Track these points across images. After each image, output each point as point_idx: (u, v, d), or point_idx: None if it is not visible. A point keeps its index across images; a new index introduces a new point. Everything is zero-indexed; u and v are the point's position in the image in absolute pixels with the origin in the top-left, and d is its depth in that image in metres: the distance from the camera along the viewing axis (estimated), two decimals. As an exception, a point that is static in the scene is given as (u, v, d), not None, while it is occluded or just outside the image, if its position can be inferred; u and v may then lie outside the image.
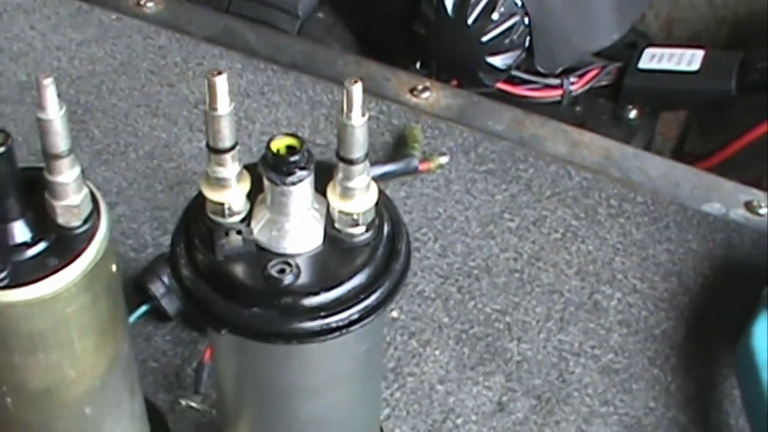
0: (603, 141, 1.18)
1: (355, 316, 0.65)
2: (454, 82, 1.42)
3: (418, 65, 1.46)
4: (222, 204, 0.66)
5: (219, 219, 0.66)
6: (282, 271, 0.65)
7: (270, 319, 0.64)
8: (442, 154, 1.15)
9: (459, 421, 0.94)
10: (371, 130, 1.15)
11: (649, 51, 1.45)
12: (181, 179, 1.11)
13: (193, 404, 0.90)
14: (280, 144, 0.65)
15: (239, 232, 0.66)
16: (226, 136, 0.64)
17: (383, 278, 0.66)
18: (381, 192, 0.68)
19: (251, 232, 0.66)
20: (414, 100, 1.22)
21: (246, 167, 0.67)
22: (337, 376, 0.71)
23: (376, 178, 1.10)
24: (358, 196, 0.65)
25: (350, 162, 0.64)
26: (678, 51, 1.44)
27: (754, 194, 1.13)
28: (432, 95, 1.23)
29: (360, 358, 0.71)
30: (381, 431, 0.89)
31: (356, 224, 0.66)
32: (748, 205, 1.11)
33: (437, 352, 0.99)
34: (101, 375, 0.73)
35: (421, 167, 1.12)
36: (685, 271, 1.06)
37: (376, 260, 0.66)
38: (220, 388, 0.78)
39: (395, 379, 0.96)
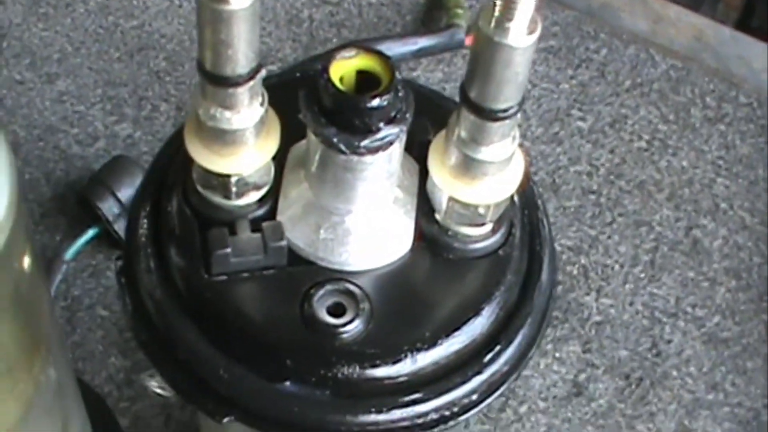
0: (692, 18, 0.82)
1: (474, 396, 0.32)
2: None
3: None
4: (227, 177, 0.31)
5: (218, 200, 0.32)
6: (340, 309, 0.31)
7: (316, 403, 0.31)
8: (491, 24, 0.78)
9: (523, 409, 0.62)
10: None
11: None
12: (145, 44, 0.75)
13: (159, 389, 0.56)
14: (345, 69, 0.29)
15: (256, 229, 0.31)
16: (241, 50, 0.28)
17: (521, 319, 0.33)
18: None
19: (279, 230, 0.31)
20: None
21: (269, 85, 0.31)
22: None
23: (409, 55, 0.76)
24: (494, 175, 0.30)
25: (492, 115, 0.29)
26: None
27: None
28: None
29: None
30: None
31: (481, 222, 0.32)
32: None
33: (490, 307, 0.66)
34: (12, 426, 0.39)
35: (468, 41, 0.75)
36: (805, 202, 0.73)
37: (508, 285, 0.32)
38: None
39: (435, 346, 0.63)
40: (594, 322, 0.66)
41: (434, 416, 0.31)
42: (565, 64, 0.78)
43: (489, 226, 0.32)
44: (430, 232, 0.32)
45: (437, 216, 0.32)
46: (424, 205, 0.32)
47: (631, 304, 0.67)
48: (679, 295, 0.68)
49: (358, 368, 0.30)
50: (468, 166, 0.30)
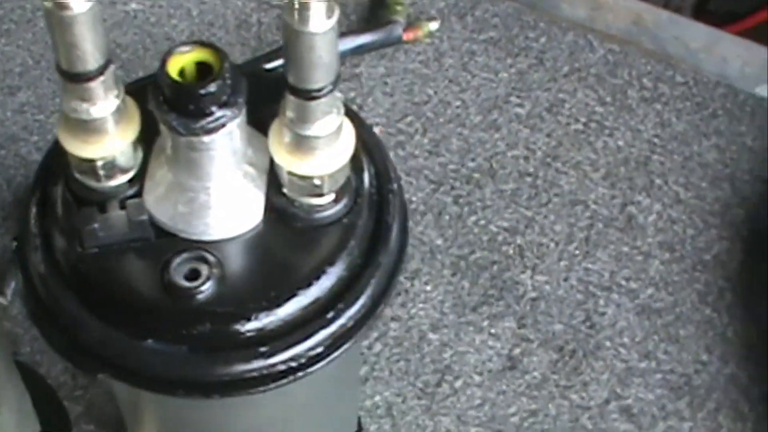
0: (630, 2, 0.86)
1: (319, 349, 0.36)
2: None
3: None
4: (93, 161, 0.36)
5: (92, 183, 0.37)
6: (195, 274, 0.35)
7: (175, 358, 0.35)
8: (431, 18, 0.83)
9: (458, 383, 0.66)
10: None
11: None
12: (101, 53, 0.79)
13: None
14: (183, 61, 0.34)
15: (123, 207, 0.36)
16: (87, 50, 0.33)
17: (364, 280, 0.37)
18: (361, 128, 0.37)
19: (141, 207, 0.36)
20: (395, -55, 0.89)
21: (135, 85, 0.37)
22: (287, 421, 0.42)
23: (349, 53, 0.81)
24: (323, 149, 0.35)
25: (309, 95, 0.33)
26: None
27: (818, 71, 0.83)
28: (417, -60, 0.90)
29: (323, 393, 0.42)
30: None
31: (319, 193, 0.36)
32: (813, 86, 0.81)
33: (428, 288, 0.70)
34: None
35: (405, 36, 0.80)
36: (738, 175, 0.76)
37: (351, 249, 0.37)
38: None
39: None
40: (529, 298, 0.70)
41: (282, 368, 0.35)
42: (504, 54, 0.82)
43: (331, 197, 0.36)
44: (279, 204, 0.36)
45: (284, 189, 0.36)
46: (275, 180, 0.37)
47: (565, 279, 0.71)
48: (614, 270, 0.72)
49: (209, 326, 0.35)
50: (299, 142, 0.34)
